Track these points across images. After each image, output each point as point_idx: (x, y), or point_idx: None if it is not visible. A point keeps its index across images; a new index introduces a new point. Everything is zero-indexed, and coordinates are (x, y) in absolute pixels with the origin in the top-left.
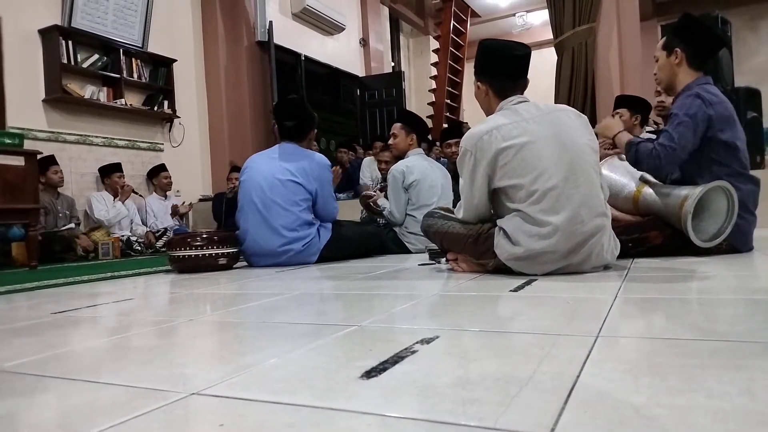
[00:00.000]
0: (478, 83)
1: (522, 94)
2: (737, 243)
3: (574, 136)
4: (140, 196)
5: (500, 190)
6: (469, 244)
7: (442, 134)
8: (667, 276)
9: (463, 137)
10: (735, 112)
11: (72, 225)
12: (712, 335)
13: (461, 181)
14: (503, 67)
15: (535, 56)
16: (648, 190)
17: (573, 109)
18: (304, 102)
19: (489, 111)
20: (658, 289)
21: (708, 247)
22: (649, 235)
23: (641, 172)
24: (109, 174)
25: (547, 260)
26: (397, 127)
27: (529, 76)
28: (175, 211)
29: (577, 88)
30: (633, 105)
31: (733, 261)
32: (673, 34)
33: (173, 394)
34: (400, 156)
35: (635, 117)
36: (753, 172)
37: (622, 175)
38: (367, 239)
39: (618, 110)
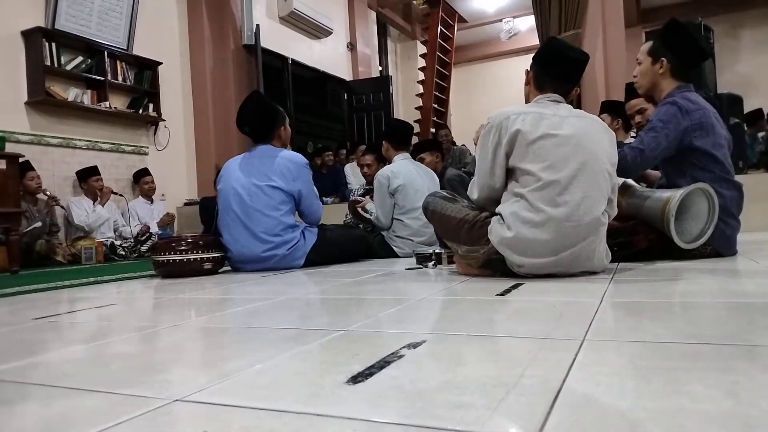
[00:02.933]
0: (528, 68)
1: (562, 95)
2: (721, 247)
3: (596, 143)
4: (121, 195)
5: (510, 172)
6: (465, 230)
7: (416, 147)
8: (652, 280)
9: (492, 114)
10: (717, 118)
11: (38, 224)
12: (696, 338)
13: (479, 158)
14: (550, 63)
15: (522, 61)
16: (631, 194)
17: (604, 123)
18: (263, 100)
19: (527, 97)
20: (643, 293)
21: (692, 251)
22: (634, 239)
23: (623, 178)
24: (86, 178)
25: (535, 250)
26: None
27: (516, 81)
28: (162, 221)
29: None
30: (613, 110)
31: (717, 265)
32: (660, 41)
33: (156, 401)
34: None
35: (616, 121)
36: (736, 178)
37: None
38: (354, 243)
39: (600, 116)
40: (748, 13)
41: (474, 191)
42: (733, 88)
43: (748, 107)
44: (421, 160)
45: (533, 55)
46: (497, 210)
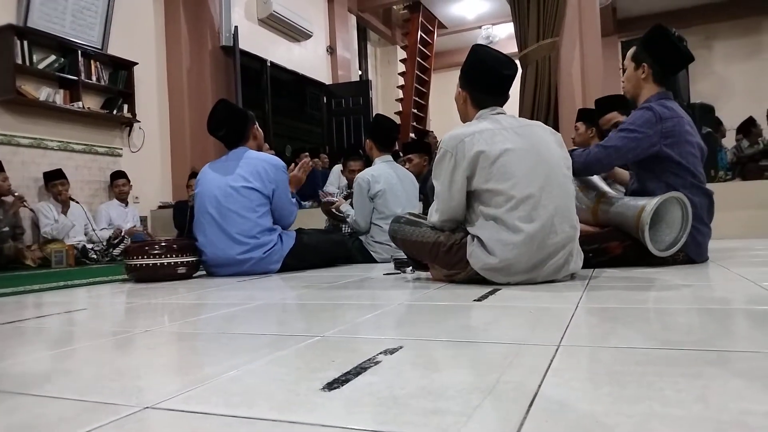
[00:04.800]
0: (460, 89)
1: (501, 107)
2: (693, 254)
3: (550, 150)
4: (75, 201)
5: (475, 194)
6: (442, 254)
7: (404, 147)
8: (627, 286)
9: (443, 138)
10: (692, 126)
11: (5, 229)
12: (668, 344)
13: (436, 183)
14: (489, 83)
15: None
16: (606, 202)
17: (547, 126)
18: (230, 105)
19: (465, 117)
20: (617, 299)
21: (665, 257)
22: (609, 245)
23: (601, 185)
24: (48, 182)
25: (518, 270)
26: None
27: None
28: (129, 232)
29: (540, 100)
30: (589, 118)
31: (689, 271)
32: (643, 47)
33: (125, 408)
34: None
35: (590, 129)
36: (707, 185)
37: (582, 188)
38: (332, 247)
39: (576, 124)
40: (721, 24)
41: (434, 216)
42: (706, 97)
43: (720, 116)
44: (409, 160)
45: (463, 72)
46: (472, 232)
